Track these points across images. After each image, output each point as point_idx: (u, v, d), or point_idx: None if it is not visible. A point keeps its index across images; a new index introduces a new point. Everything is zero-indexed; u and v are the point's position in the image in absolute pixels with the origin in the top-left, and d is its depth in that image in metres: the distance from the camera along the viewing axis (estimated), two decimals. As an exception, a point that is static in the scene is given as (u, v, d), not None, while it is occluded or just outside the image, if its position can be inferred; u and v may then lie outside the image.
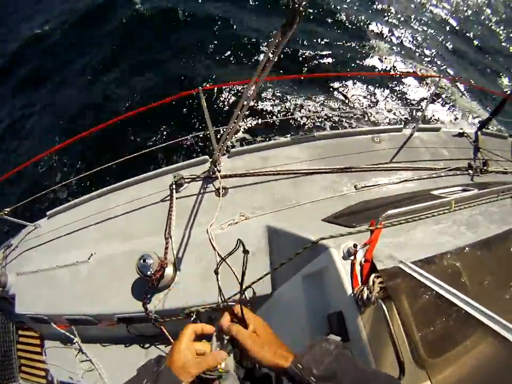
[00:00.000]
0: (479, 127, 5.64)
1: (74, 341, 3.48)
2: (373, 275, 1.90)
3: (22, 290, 3.73)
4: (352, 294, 1.91)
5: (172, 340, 3.03)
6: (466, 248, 1.96)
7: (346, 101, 10.67)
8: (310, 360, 1.09)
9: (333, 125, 9.64)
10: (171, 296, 3.00)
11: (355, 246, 2.11)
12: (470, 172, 4.67)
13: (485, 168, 4.76)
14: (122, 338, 3.43)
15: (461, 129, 5.39)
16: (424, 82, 12.14)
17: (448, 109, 11.67)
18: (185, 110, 9.04)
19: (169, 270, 3.03)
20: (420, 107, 10.98)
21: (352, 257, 2.13)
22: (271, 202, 3.68)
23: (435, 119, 11.07)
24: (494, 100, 12.08)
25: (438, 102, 11.73)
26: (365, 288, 1.87)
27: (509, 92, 6.00)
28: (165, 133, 8.91)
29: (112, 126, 3.79)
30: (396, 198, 3.61)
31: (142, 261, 2.85)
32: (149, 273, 2.82)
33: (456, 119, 11.30)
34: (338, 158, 4.20)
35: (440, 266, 1.85)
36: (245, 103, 2.78)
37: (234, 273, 2.89)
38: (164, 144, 4.49)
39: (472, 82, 13.37)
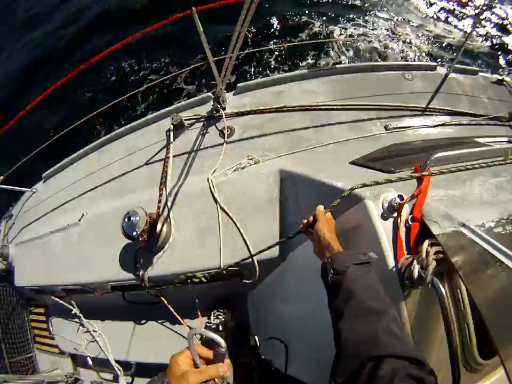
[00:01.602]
0: None
1: (73, 312, 3.39)
2: (426, 242, 1.42)
3: (19, 262, 3.64)
4: (395, 268, 1.50)
5: (171, 309, 2.77)
6: None
7: (371, 28, 9.55)
8: (339, 257, 1.34)
9: (355, 57, 8.66)
10: (166, 260, 2.62)
11: (400, 197, 1.58)
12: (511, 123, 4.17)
13: None
14: (123, 306, 3.22)
15: (501, 75, 4.90)
16: (462, 12, 10.79)
17: (487, 49, 10.27)
18: (180, 38, 8.12)
19: (161, 228, 2.59)
20: (457, 43, 9.68)
21: (395, 214, 1.63)
22: (286, 143, 3.14)
23: (470, 61, 9.79)
24: None
25: (477, 41, 10.34)
26: (415, 261, 1.40)
27: None
28: (159, 67, 8.14)
29: (96, 65, 3.32)
30: (435, 143, 3.12)
31: (126, 219, 2.42)
32: (134, 233, 2.39)
33: (493, 63, 10.02)
34: (365, 94, 3.62)
35: (509, 234, 1.49)
36: (244, 21, 2.35)
37: (243, 236, 2.47)
38: (157, 81, 3.90)
39: None
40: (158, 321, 3.05)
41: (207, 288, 2.66)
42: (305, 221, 1.68)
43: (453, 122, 3.63)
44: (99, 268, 2.87)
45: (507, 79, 4.77)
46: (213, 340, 1.11)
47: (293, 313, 2.65)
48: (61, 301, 3.40)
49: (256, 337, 2.65)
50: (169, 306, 2.76)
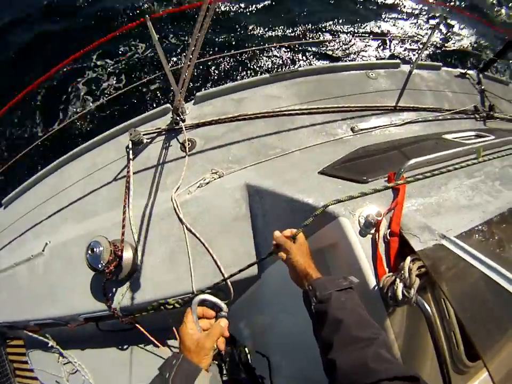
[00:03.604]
0: (481, 69, 5.23)
1: (50, 345, 3.18)
2: (408, 259, 1.37)
3: None
4: (377, 287, 1.44)
5: (147, 334, 2.64)
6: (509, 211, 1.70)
7: (333, 30, 9.59)
8: (320, 284, 1.29)
9: (318, 58, 8.67)
10: (136, 288, 2.48)
11: (378, 214, 1.48)
12: (477, 116, 4.28)
13: (492, 113, 4.36)
14: (101, 334, 3.07)
15: (463, 69, 4.96)
16: (423, 12, 11.06)
17: (448, 45, 10.55)
18: (136, 48, 7.85)
19: (128, 255, 2.45)
20: (418, 41, 9.93)
21: (372, 230, 1.53)
22: (251, 153, 3.03)
23: (432, 56, 9.96)
24: (498, 39, 10.96)
25: (439, 36, 10.69)
26: (398, 280, 1.34)
27: None
28: (114, 81, 7.77)
29: (48, 81, 3.06)
30: (403, 142, 3.10)
31: (89, 251, 2.26)
32: (100, 266, 2.24)
33: (455, 57, 10.23)
34: (329, 96, 3.57)
35: (490, 240, 1.52)
36: (200, 30, 2.25)
37: (213, 257, 2.35)
38: (114, 94, 3.69)
39: (480, 17, 11.97)
40: (138, 346, 2.92)
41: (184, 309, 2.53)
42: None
43: (420, 119, 3.63)
44: (69, 300, 2.71)
45: (470, 72, 4.87)
46: (215, 304, 1.31)
47: (272, 326, 2.60)
48: (35, 335, 3.21)
49: (246, 349, 2.54)
50: (145, 332, 2.63)
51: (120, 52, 7.90)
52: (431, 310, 1.28)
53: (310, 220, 1.45)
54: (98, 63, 7.88)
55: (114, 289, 2.50)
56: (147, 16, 2.57)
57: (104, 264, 2.22)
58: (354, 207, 1.64)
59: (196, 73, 7.69)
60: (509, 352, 1.20)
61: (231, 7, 9.16)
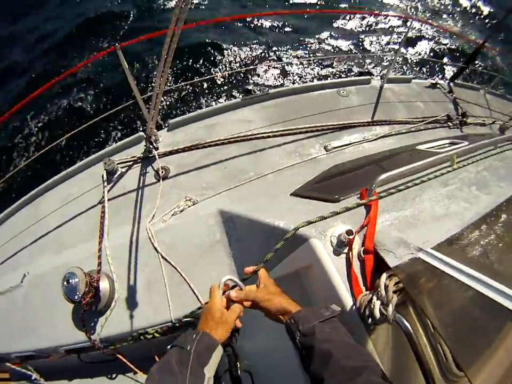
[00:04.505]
0: (452, 78, 5.44)
1: (33, 378, 3.07)
2: (384, 276, 1.33)
3: None
4: (355, 307, 1.39)
5: (130, 365, 2.57)
6: (490, 218, 1.68)
7: (302, 49, 9.77)
8: (302, 317, 1.26)
9: (289, 80, 8.77)
10: (114, 319, 2.43)
11: (349, 232, 1.43)
12: (450, 124, 4.35)
13: (464, 120, 4.47)
14: (84, 365, 2.98)
15: (433, 79, 5.08)
16: (392, 26, 11.37)
17: (417, 57, 10.86)
18: (107, 78, 7.89)
19: (104, 286, 2.42)
20: (388, 56, 10.20)
21: (346, 250, 1.45)
22: (224, 178, 3.01)
23: (403, 70, 10.31)
24: (465, 48, 11.39)
25: (408, 50, 10.99)
26: (375, 298, 1.30)
27: (482, 41, 5.70)
28: (87, 109, 7.76)
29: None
30: (377, 157, 3.10)
31: (65, 282, 2.24)
32: (76, 297, 2.21)
33: (426, 69, 10.57)
34: (301, 116, 3.58)
35: (469, 248, 1.47)
36: (166, 56, 2.19)
37: (190, 286, 2.34)
38: (88, 124, 3.63)
39: (446, 26, 12.57)
40: (124, 375, 2.83)
41: (166, 337, 2.49)
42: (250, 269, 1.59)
43: (393, 133, 3.65)
44: (49, 332, 2.66)
45: (440, 82, 4.98)
46: (237, 284, 1.46)
47: (252, 343, 2.52)
48: (18, 368, 3.08)
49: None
50: (127, 362, 2.57)
51: (91, 81, 7.92)
52: (411, 326, 1.23)
53: (280, 243, 1.42)
54: (69, 91, 7.90)
55: (93, 321, 2.47)
56: (117, 44, 2.57)
57: (80, 295, 2.19)
58: (325, 228, 1.61)
59: (171, 100, 7.78)
60: (495, 366, 1.14)
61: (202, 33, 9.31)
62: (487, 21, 13.28)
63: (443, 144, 3.32)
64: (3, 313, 2.97)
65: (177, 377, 1.15)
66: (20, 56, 9.29)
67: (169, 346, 1.33)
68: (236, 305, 1.40)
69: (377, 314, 1.22)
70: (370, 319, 1.28)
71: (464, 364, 1.12)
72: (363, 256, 1.44)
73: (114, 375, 2.88)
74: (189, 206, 2.72)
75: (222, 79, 8.24)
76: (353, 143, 3.40)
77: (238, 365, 2.23)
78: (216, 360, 1.27)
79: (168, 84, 3.10)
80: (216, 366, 1.28)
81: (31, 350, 2.74)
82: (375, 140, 3.48)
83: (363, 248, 1.46)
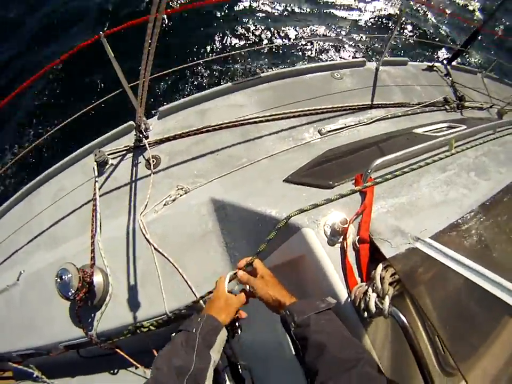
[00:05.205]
0: (449, 61, 5.35)
1: (35, 375, 3.07)
2: (380, 266, 1.28)
3: None
4: (350, 299, 1.34)
5: (129, 358, 2.60)
6: (490, 205, 1.64)
7: (295, 31, 9.55)
8: (297, 309, 1.26)
9: (281, 63, 8.63)
10: (109, 313, 2.42)
11: (343, 221, 1.37)
12: (447, 107, 4.28)
13: (462, 103, 4.42)
14: (85, 360, 3.03)
15: (430, 62, 5.01)
16: (387, 7, 11.14)
17: (414, 39, 10.64)
18: (93, 68, 7.69)
19: (98, 280, 2.41)
20: (383, 37, 9.76)
21: (340, 239, 1.42)
22: (216, 165, 2.96)
23: (399, 52, 10.10)
24: (464, 30, 11.14)
25: (404, 31, 10.76)
26: (370, 290, 1.25)
27: (482, 23, 5.71)
28: (74, 101, 7.59)
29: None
30: (372, 141, 3.05)
31: (58, 279, 2.24)
32: (70, 294, 2.21)
33: (422, 51, 10.38)
34: (294, 100, 3.50)
35: (469, 238, 1.41)
36: (151, 41, 2.15)
37: (183, 277, 2.31)
38: (77, 115, 3.57)
39: (444, 8, 12.26)
40: (124, 369, 2.83)
41: (162, 330, 2.48)
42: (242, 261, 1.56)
43: (389, 116, 3.59)
44: (48, 329, 2.67)
45: (437, 64, 4.92)
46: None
47: (253, 337, 2.51)
48: (20, 366, 3.11)
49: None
50: (125, 356, 2.59)
51: (77, 72, 7.79)
52: (407, 319, 1.19)
53: (273, 233, 1.36)
54: (54, 84, 7.78)
55: (89, 316, 2.47)
56: (101, 33, 2.52)
57: (74, 291, 2.20)
58: (318, 216, 1.56)
59: (161, 88, 7.70)
60: (490, 360, 1.12)
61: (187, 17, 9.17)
62: (487, 2, 13.07)
63: (441, 128, 3.28)
64: (2, 312, 2.98)
65: (184, 358, 1.18)
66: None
67: (173, 334, 1.35)
68: (241, 294, 1.45)
69: (373, 308, 1.18)
70: (365, 313, 1.24)
71: (458, 358, 1.09)
72: (358, 245, 1.39)
73: (115, 369, 2.89)
74: (180, 195, 2.69)
75: (212, 64, 8.10)
76: (348, 126, 3.35)
77: (238, 360, 2.23)
78: (220, 343, 1.30)
79: (157, 71, 3.02)
80: (221, 350, 1.32)
81: (31, 348, 2.76)
82: (371, 123, 3.43)
83: (358, 237, 1.41)
